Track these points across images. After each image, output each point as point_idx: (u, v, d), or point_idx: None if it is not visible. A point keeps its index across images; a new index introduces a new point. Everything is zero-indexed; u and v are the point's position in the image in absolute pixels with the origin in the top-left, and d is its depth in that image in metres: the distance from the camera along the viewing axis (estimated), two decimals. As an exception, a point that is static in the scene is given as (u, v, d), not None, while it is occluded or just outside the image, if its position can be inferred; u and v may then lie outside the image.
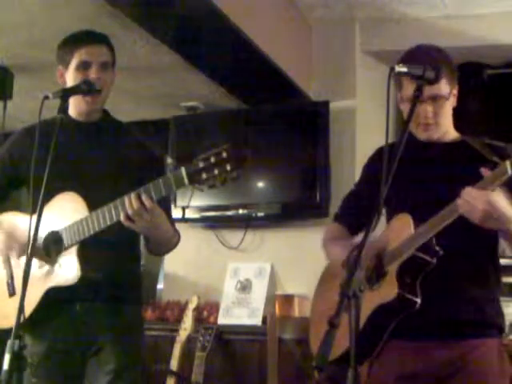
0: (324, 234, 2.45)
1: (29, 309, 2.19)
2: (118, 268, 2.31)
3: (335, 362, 2.00)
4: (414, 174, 2.17)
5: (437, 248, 1.99)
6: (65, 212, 2.24)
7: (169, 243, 2.39)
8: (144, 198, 2.07)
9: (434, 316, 2.04)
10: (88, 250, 2.21)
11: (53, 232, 2.25)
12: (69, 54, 2.30)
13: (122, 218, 2.10)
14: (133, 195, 2.08)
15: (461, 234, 1.99)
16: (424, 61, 1.98)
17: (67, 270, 2.20)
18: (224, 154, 1.96)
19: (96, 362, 2.29)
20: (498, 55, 4.18)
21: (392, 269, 2.04)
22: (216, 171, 1.96)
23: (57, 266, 2.24)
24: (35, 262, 2.21)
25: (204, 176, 1.97)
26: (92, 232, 2.16)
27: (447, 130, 2.20)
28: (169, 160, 2.26)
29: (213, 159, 1.97)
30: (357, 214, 2.35)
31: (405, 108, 2.16)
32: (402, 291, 1.99)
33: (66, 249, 2.22)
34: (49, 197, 2.20)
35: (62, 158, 2.24)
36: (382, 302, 2.02)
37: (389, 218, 2.22)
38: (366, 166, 2.41)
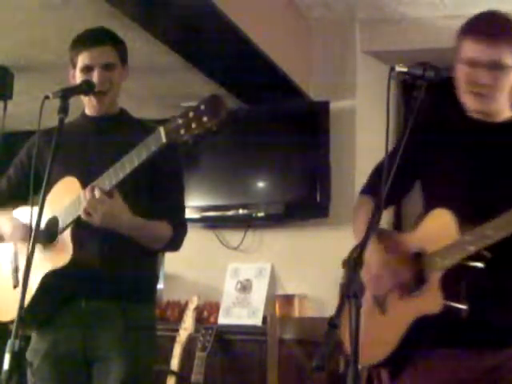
0: (354, 209, 2.25)
1: (30, 295, 2.17)
2: (118, 254, 2.26)
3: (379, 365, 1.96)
4: (462, 155, 2.01)
5: (485, 253, 1.84)
6: (62, 196, 2.23)
7: (149, 235, 2.28)
8: (96, 190, 2.09)
9: (478, 322, 1.90)
10: (84, 232, 2.19)
11: (52, 217, 2.24)
12: (75, 56, 2.34)
13: (80, 211, 2.12)
14: (87, 188, 2.10)
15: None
16: (489, 25, 1.93)
17: (62, 252, 2.18)
18: (202, 107, 1.95)
19: (104, 369, 2.24)
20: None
21: (435, 276, 1.92)
22: (194, 125, 1.94)
23: (54, 250, 2.22)
24: (39, 250, 2.19)
25: (182, 132, 1.96)
26: (74, 216, 2.16)
27: (502, 108, 2.02)
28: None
29: (191, 114, 1.95)
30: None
31: (459, 70, 1.97)
32: (447, 301, 1.87)
33: (61, 232, 2.20)
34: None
35: (74, 153, 2.30)
36: (425, 312, 1.92)
37: (427, 198, 2.07)
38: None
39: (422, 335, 1.96)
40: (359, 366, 1.49)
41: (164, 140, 1.99)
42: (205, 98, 1.97)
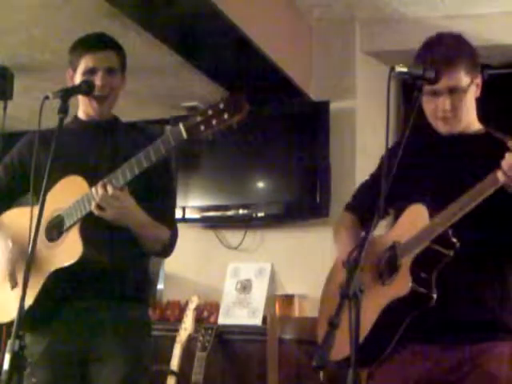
0: (335, 223, 2.40)
1: (32, 295, 2.16)
2: (123, 254, 2.27)
3: (340, 363, 1.96)
4: (437, 168, 2.12)
5: (453, 239, 1.91)
6: (64, 196, 2.23)
7: (153, 235, 2.31)
8: (108, 185, 2.11)
9: (446, 317, 1.98)
10: (91, 229, 2.20)
11: (56, 216, 2.24)
12: (76, 59, 2.34)
13: (92, 207, 2.13)
14: (98, 184, 2.12)
15: (480, 226, 1.93)
16: (441, 53, 2.02)
17: (70, 249, 2.17)
18: (221, 105, 1.99)
19: (102, 369, 2.24)
20: (498, 55, 4.18)
21: (406, 262, 1.97)
22: (214, 121, 1.99)
23: (60, 247, 2.21)
24: (41, 250, 2.19)
25: (202, 128, 2.00)
26: (84, 213, 2.17)
27: (470, 122, 2.14)
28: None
29: (210, 111, 1.99)
30: (369, 206, 2.23)
31: (424, 100, 2.10)
32: (416, 285, 1.92)
33: (67, 229, 2.20)
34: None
35: (70, 157, 2.29)
36: (395, 296, 1.96)
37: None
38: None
39: (392, 325, 1.98)
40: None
41: (184, 136, 2.03)
42: (224, 97, 2.02)
